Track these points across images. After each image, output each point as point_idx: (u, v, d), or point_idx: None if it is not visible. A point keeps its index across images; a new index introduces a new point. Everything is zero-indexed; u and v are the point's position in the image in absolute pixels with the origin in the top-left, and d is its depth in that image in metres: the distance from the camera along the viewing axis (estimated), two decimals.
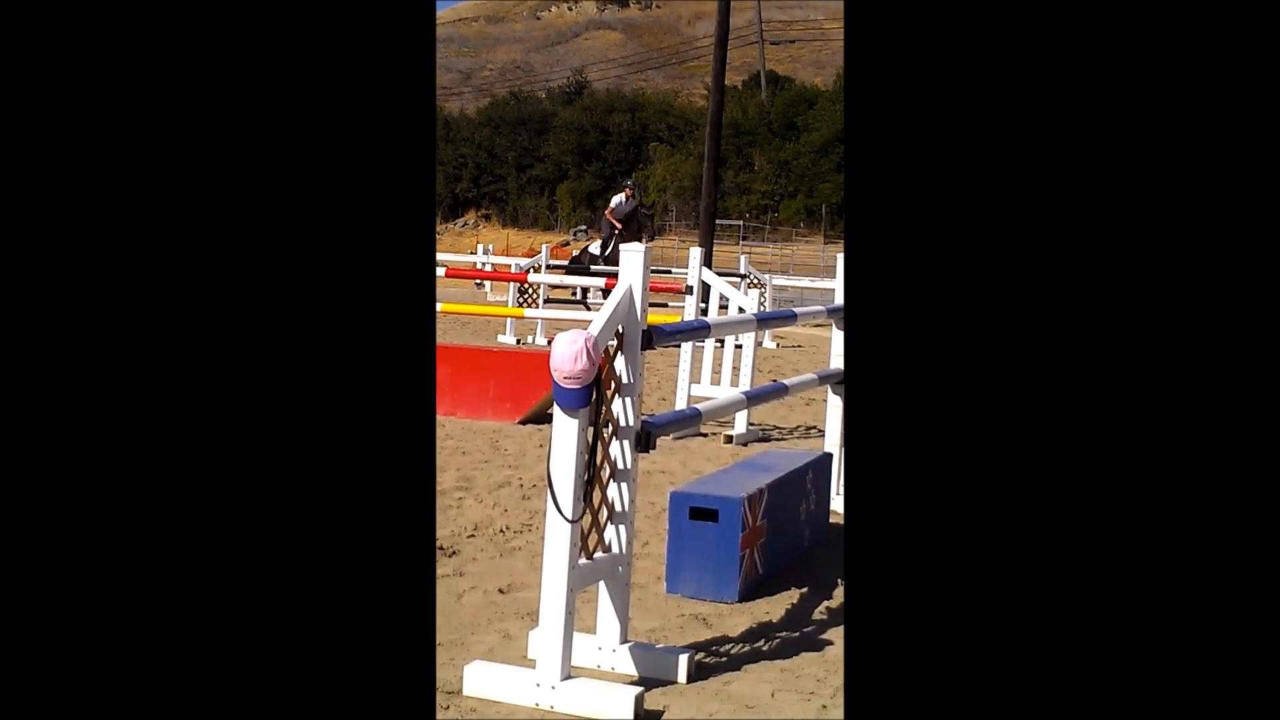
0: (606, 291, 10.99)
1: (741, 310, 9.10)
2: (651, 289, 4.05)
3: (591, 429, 3.40)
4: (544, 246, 17.29)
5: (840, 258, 6.49)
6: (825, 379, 6.17)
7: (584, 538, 3.44)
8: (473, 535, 5.22)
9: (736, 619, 4.22)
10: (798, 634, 4.09)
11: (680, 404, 8.45)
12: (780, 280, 21.09)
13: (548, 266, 16.14)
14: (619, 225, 18.41)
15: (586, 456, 3.37)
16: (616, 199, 19.02)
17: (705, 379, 9.36)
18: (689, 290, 9.77)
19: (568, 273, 16.42)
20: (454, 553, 4.90)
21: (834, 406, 6.15)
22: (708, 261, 13.77)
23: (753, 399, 5.76)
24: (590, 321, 3.45)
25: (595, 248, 18.77)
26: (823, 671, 3.70)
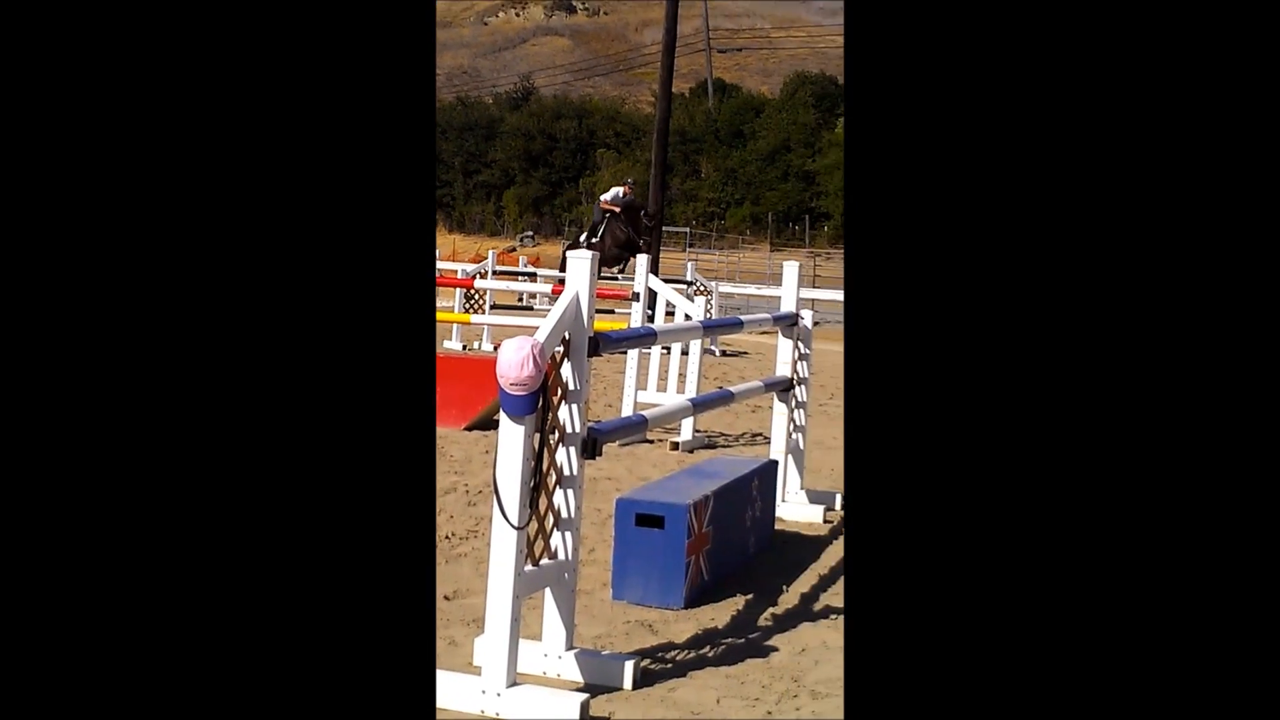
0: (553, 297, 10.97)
1: (688, 317, 9.12)
2: (598, 295, 4.05)
3: (538, 435, 3.40)
4: (490, 252, 17.22)
5: (787, 265, 6.56)
6: (771, 386, 6.21)
7: (530, 544, 3.44)
8: None
9: (682, 625, 4.23)
10: (743, 640, 4.10)
11: (627, 410, 8.45)
12: (726, 287, 21.16)
13: (494, 272, 16.09)
14: (614, 208, 18.28)
15: (533, 463, 3.37)
16: (614, 191, 18.97)
17: (652, 386, 9.37)
18: (635, 297, 9.79)
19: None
20: None
21: (779, 413, 6.18)
22: (654, 268, 13.80)
23: (699, 406, 5.79)
24: (536, 328, 3.44)
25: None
26: (768, 678, 3.72)
